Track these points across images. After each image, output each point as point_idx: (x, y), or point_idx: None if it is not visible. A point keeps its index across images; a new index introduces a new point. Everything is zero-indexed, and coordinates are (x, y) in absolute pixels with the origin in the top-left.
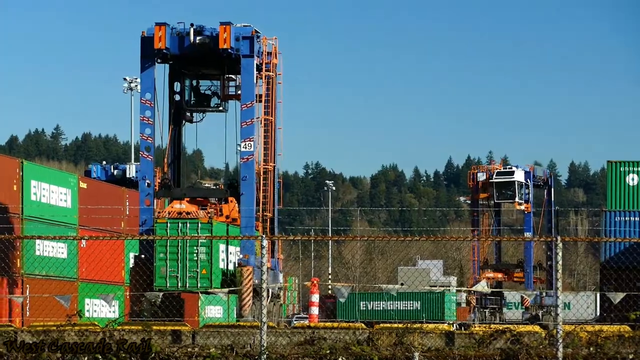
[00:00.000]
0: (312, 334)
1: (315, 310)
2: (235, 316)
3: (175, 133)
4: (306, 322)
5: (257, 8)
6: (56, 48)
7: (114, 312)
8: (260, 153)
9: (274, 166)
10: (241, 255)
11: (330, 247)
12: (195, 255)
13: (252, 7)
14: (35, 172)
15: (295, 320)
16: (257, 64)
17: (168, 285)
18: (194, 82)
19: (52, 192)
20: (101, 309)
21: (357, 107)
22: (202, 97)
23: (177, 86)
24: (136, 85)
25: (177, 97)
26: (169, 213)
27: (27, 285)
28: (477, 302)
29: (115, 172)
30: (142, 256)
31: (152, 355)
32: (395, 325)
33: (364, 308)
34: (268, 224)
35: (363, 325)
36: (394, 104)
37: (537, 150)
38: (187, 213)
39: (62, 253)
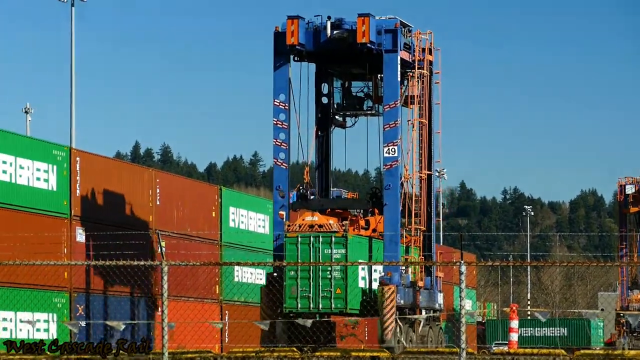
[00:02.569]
0: None
1: (514, 337)
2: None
3: (322, 139)
4: (505, 348)
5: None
6: (256, 78)
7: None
8: (413, 160)
9: (430, 174)
10: (383, 273)
11: (529, 273)
12: (328, 273)
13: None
14: (233, 198)
15: (494, 347)
16: (408, 61)
17: (299, 306)
18: (345, 84)
19: (250, 219)
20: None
21: (547, 126)
22: (354, 100)
23: (324, 87)
24: None
25: (325, 100)
26: (300, 226)
27: (226, 312)
28: (626, 325)
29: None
30: (275, 274)
31: None
32: (597, 351)
33: None
34: (420, 238)
35: (563, 351)
36: (592, 119)
37: None
38: (320, 226)
39: (261, 279)
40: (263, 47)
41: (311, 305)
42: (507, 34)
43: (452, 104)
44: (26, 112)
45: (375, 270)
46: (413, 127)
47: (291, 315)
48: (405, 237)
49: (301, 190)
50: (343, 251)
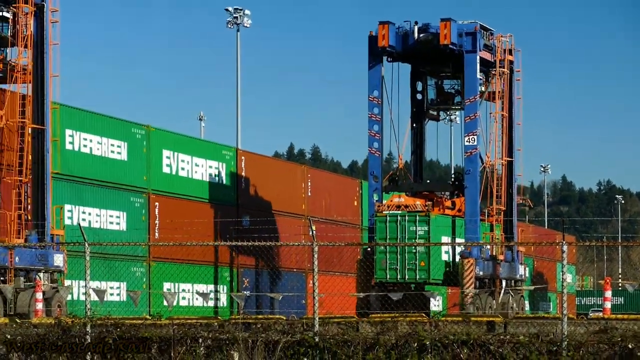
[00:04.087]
0: (606, 324)
1: (608, 304)
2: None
3: (417, 131)
4: (600, 314)
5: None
6: None
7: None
8: (495, 148)
9: (511, 161)
10: (464, 247)
11: (619, 252)
12: (413, 247)
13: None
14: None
15: (591, 313)
16: (490, 61)
17: (388, 277)
18: (438, 82)
19: None
20: None
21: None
22: (446, 96)
23: (418, 85)
24: None
25: (419, 96)
26: (388, 207)
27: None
28: None
29: None
30: (368, 249)
31: (471, 341)
32: None
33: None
34: (502, 217)
35: None
36: None
37: None
38: (406, 206)
39: None
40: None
41: (398, 276)
42: (597, 23)
43: (553, 103)
44: (200, 119)
45: (459, 245)
46: (495, 119)
47: (384, 284)
48: (489, 215)
49: (393, 176)
50: (426, 228)
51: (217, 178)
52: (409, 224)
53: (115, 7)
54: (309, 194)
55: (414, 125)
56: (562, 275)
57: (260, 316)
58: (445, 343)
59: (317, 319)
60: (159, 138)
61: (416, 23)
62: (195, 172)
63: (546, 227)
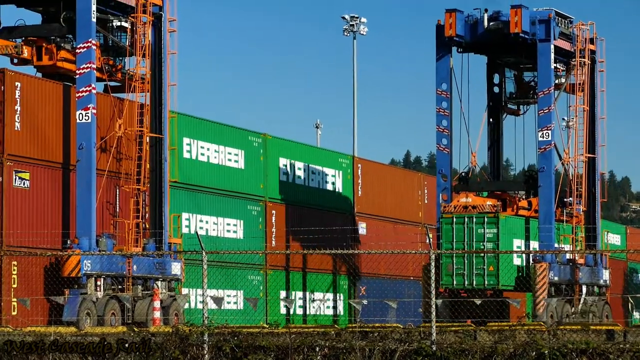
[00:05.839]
0: None
1: None
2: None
3: (494, 126)
4: None
5: None
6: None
7: None
8: (575, 144)
9: (593, 157)
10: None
11: None
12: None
13: None
14: None
15: None
16: (570, 51)
17: (455, 283)
18: (517, 74)
19: None
20: None
21: None
22: (525, 88)
23: (495, 78)
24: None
25: (497, 89)
26: (455, 207)
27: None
28: None
29: None
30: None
31: (590, 350)
32: None
33: None
34: (582, 217)
35: None
36: None
37: None
38: (474, 207)
39: None
40: None
41: (465, 282)
42: None
43: None
44: (317, 127)
45: (534, 249)
46: (575, 113)
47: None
48: (566, 216)
49: (464, 175)
50: (495, 231)
51: (333, 186)
52: (477, 226)
53: (233, 17)
54: (426, 201)
55: (491, 120)
56: None
57: (377, 324)
58: (564, 352)
59: (434, 327)
60: (276, 146)
61: (486, 11)
62: (312, 180)
63: None
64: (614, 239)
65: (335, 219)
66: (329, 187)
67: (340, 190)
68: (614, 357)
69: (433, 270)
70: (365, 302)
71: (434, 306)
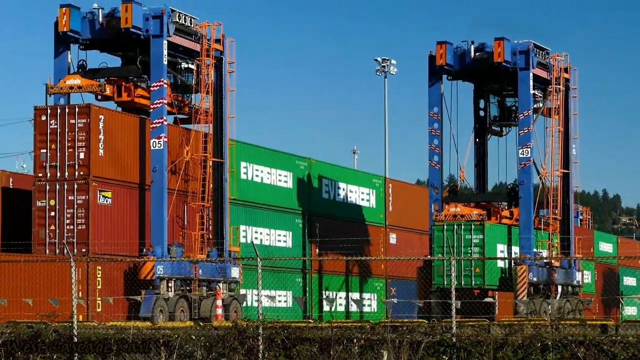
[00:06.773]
0: None
1: None
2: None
3: (479, 146)
4: None
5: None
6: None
7: None
8: (551, 160)
9: (567, 173)
10: (518, 254)
11: None
12: (469, 254)
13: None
14: None
15: None
16: (546, 79)
17: (445, 283)
18: (500, 99)
19: None
20: None
21: None
22: (507, 112)
23: (481, 103)
24: None
25: (482, 113)
26: (445, 216)
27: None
28: None
29: None
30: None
31: (587, 342)
32: None
33: None
34: (558, 225)
35: None
36: None
37: None
38: (462, 216)
39: None
40: None
41: (454, 282)
42: None
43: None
44: (354, 152)
45: (516, 253)
46: (551, 133)
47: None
48: (544, 225)
49: (452, 188)
50: (481, 237)
51: (368, 202)
52: (465, 233)
53: (283, 58)
54: None
55: (477, 140)
56: None
57: (405, 320)
58: (565, 343)
59: (454, 322)
60: (319, 169)
61: (472, 43)
62: (350, 197)
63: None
64: (607, 247)
65: (370, 231)
66: (365, 203)
67: (374, 206)
68: (607, 347)
69: (453, 274)
70: (395, 301)
71: (454, 306)
